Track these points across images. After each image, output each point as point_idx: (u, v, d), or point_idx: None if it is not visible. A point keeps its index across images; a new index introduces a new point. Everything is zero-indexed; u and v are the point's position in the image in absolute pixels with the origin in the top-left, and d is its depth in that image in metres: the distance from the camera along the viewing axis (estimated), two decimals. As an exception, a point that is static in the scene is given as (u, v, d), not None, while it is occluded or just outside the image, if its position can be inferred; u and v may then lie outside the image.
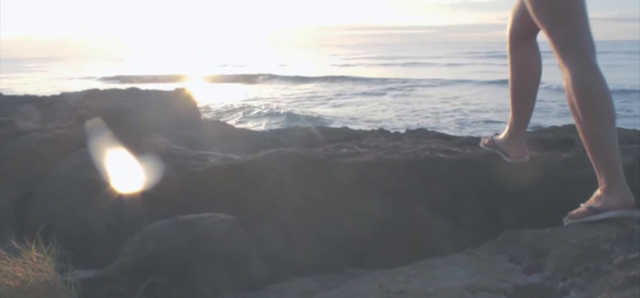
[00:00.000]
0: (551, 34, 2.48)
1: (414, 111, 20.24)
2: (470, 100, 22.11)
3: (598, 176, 2.41)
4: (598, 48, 2.52)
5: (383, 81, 32.25)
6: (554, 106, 19.26)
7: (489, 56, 50.14)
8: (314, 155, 3.11)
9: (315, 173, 2.95)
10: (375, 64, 54.62)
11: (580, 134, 2.45)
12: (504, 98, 20.80)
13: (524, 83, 2.89)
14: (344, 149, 3.28)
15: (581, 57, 2.40)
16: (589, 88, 2.37)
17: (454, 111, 19.58)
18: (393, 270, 2.40)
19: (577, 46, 2.42)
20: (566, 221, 2.50)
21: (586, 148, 2.43)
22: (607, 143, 2.36)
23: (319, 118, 18.81)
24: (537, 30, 2.71)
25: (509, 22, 2.84)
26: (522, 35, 2.80)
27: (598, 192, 2.40)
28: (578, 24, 2.43)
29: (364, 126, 8.51)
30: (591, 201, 2.41)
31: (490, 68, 35.53)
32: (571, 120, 2.66)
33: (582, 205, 2.45)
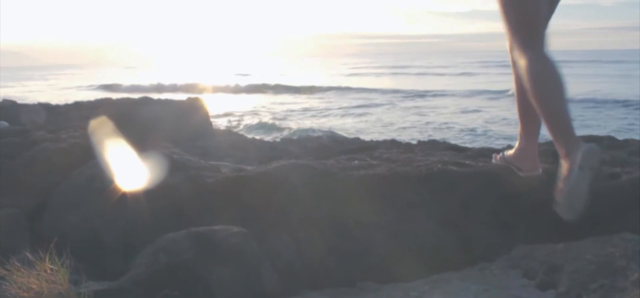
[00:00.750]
0: (512, 31, 2.82)
1: (426, 122, 20.18)
2: (482, 111, 22.07)
3: (558, 147, 2.67)
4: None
5: (394, 91, 32.17)
6: (573, 115, 19.21)
7: (501, 65, 49.77)
8: (326, 167, 3.11)
9: (328, 186, 2.95)
10: (386, 73, 54.41)
11: (539, 114, 2.73)
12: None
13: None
14: (356, 161, 3.28)
15: (534, 50, 2.74)
16: (541, 71, 2.70)
17: (466, 121, 19.53)
18: (406, 284, 2.40)
19: (531, 41, 2.75)
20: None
21: (545, 125, 2.72)
22: (562, 116, 2.66)
23: (330, 128, 18.82)
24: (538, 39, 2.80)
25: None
26: None
27: (562, 161, 2.66)
28: (534, 23, 2.76)
29: (375, 137, 8.50)
30: (564, 172, 2.61)
31: (503, 78, 35.38)
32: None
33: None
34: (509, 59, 2.97)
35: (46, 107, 7.30)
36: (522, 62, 2.75)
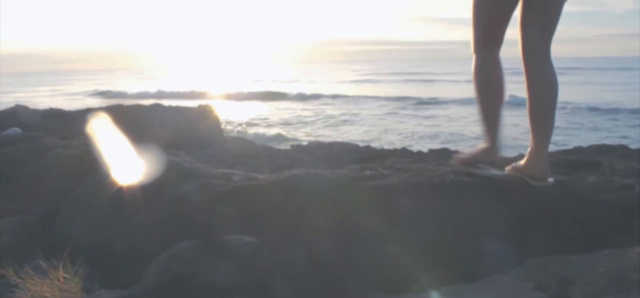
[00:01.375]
0: (473, 30, 3.08)
1: (436, 130, 20.12)
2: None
3: (485, 135, 3.13)
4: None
5: (403, 98, 32.05)
6: (585, 123, 19.14)
7: (512, 73, 49.24)
8: (337, 177, 3.10)
9: (339, 196, 2.94)
10: (396, 80, 54.24)
11: (477, 105, 3.10)
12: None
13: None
14: (368, 171, 3.27)
15: (485, 49, 3.04)
16: (484, 73, 3.05)
17: (477, 129, 19.45)
18: (418, 296, 2.38)
19: (485, 42, 3.03)
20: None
21: (480, 116, 3.12)
22: (492, 115, 3.08)
23: (340, 135, 18.81)
24: (546, 48, 2.96)
25: (519, 43, 3.05)
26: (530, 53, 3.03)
27: (479, 146, 3.21)
28: (489, 23, 3.02)
29: (386, 145, 8.48)
30: (473, 153, 3.24)
31: (515, 86, 34.97)
32: (596, 140, 2.66)
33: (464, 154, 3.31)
34: (522, 67, 3.00)
35: (58, 114, 7.34)
36: (474, 59, 3.07)
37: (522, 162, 3.09)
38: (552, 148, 3.07)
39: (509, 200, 2.93)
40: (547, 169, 3.01)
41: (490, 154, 3.13)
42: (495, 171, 3.13)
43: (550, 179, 3.01)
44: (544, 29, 2.94)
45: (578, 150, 4.83)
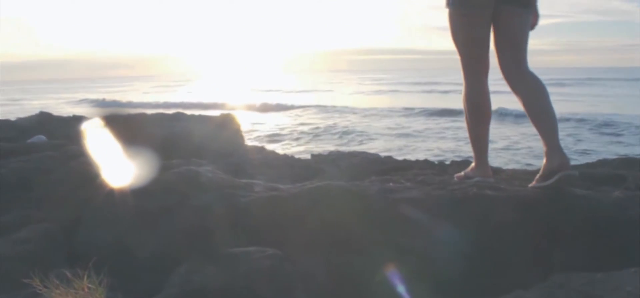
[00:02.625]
0: (460, 60, 3.36)
1: (457, 142, 19.99)
2: (514, 131, 21.76)
3: (475, 154, 3.49)
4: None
5: (424, 110, 31.77)
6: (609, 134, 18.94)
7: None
8: (360, 189, 3.09)
9: (362, 208, 2.93)
10: (415, 91, 53.85)
11: (467, 128, 3.45)
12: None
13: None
14: (391, 184, 3.26)
15: (474, 76, 3.33)
16: (473, 100, 3.36)
17: (499, 140, 19.30)
18: (439, 311, 2.36)
19: (472, 68, 3.32)
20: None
21: (470, 137, 3.46)
22: (480, 138, 3.44)
23: (362, 146, 18.79)
24: (522, 63, 3.26)
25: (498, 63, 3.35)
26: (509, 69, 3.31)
27: (472, 166, 3.54)
28: (475, 52, 3.29)
29: (408, 156, 8.44)
30: (467, 172, 3.51)
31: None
32: (620, 152, 2.65)
33: (462, 173, 3.54)
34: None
35: (81, 121, 7.40)
36: (464, 86, 3.38)
37: (539, 174, 3.14)
38: (575, 161, 3.05)
39: (533, 215, 2.89)
40: (566, 158, 3.11)
41: (483, 171, 3.45)
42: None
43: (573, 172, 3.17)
44: (514, 54, 3.25)
45: (603, 163, 4.76)
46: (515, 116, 22.67)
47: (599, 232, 2.83)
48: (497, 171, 4.22)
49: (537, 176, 3.16)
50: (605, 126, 22.21)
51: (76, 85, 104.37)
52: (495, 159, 14.16)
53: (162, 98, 48.96)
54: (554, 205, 2.92)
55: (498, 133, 20.13)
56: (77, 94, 62.96)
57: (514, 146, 18.09)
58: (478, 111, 3.37)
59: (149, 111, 7.14)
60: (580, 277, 2.45)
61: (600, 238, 2.81)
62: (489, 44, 3.30)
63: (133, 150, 4.09)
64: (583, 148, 17.06)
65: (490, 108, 3.41)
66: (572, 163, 3.27)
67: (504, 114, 23.66)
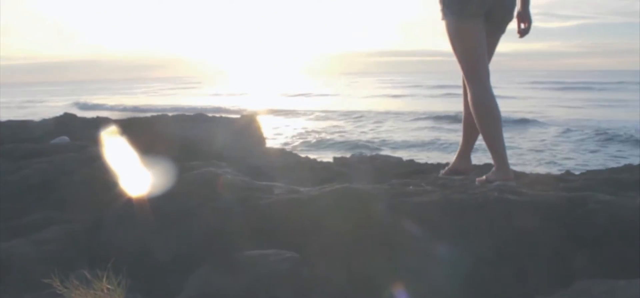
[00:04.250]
0: (461, 67, 3.51)
1: (477, 145, 19.82)
2: (535, 136, 21.56)
3: (493, 159, 3.52)
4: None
5: (446, 116, 31.42)
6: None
7: (558, 88, 46.92)
8: (380, 193, 3.08)
9: (382, 212, 2.92)
10: (436, 95, 53.16)
11: (482, 133, 3.51)
12: (575, 135, 20.29)
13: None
14: (411, 187, 3.24)
15: (479, 82, 3.46)
16: (482, 103, 3.45)
17: (517, 146, 19.13)
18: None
19: (476, 74, 3.46)
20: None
21: (486, 141, 3.51)
22: (496, 140, 3.47)
23: (383, 148, 18.73)
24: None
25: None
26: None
27: (494, 170, 3.50)
28: (477, 59, 3.45)
29: (430, 159, 8.39)
30: (489, 175, 3.47)
31: (558, 102, 34.21)
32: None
33: (483, 177, 3.52)
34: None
35: (104, 122, 7.47)
36: (469, 92, 3.48)
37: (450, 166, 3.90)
38: (601, 166, 3.01)
39: (555, 220, 2.86)
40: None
41: (504, 173, 3.45)
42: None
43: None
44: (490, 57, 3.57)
45: (628, 168, 4.69)
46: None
47: (621, 238, 2.78)
48: (519, 175, 4.18)
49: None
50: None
51: (96, 86, 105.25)
52: (520, 165, 14.05)
53: (179, 101, 49.17)
54: (576, 210, 2.88)
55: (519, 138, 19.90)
56: (95, 97, 63.39)
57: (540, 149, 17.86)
58: (488, 114, 3.46)
59: (170, 114, 7.18)
60: (603, 283, 2.41)
61: (623, 244, 2.76)
62: (486, 50, 3.48)
63: (154, 152, 4.11)
64: (613, 153, 16.72)
65: (499, 109, 3.50)
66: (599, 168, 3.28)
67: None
